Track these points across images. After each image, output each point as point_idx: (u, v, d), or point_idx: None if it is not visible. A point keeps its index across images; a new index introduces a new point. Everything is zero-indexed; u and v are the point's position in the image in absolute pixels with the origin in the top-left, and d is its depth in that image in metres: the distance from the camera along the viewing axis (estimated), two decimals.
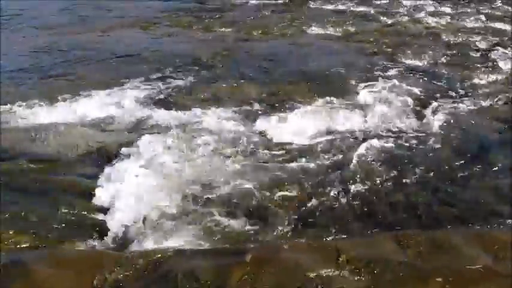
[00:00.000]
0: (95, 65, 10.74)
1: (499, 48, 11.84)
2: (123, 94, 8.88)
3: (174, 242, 5.14)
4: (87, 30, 13.99)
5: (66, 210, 5.66)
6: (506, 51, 11.58)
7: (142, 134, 7.29)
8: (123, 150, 6.81)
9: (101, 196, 5.88)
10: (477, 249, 4.73)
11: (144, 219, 5.47)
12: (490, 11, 16.44)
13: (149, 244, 5.15)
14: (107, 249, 5.10)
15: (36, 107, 8.31)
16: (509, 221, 5.46)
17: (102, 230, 5.43)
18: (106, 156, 6.79)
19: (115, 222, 5.48)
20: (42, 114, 8.11)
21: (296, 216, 5.58)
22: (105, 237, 5.33)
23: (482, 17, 15.52)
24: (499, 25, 14.43)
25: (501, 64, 10.77)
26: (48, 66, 10.61)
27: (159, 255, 4.66)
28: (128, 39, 12.90)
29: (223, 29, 14.24)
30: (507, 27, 14.19)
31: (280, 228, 5.39)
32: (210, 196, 5.82)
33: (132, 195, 5.80)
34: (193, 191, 5.88)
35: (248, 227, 5.39)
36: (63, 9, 16.74)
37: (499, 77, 9.94)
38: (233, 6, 17.65)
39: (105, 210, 5.69)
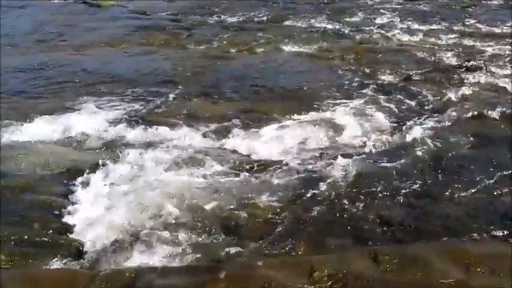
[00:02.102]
0: (68, 83, 10.66)
1: (470, 64, 11.96)
2: (96, 113, 8.82)
3: (147, 260, 5.11)
4: (59, 48, 13.91)
5: (38, 229, 5.61)
6: (478, 68, 11.70)
7: (115, 152, 7.26)
8: (96, 169, 6.78)
9: (74, 215, 5.85)
10: (449, 263, 4.77)
11: (117, 237, 5.43)
12: (461, 28, 16.62)
13: (122, 262, 5.12)
14: (80, 268, 5.06)
15: (8, 125, 8.22)
16: (481, 235, 5.50)
17: (75, 248, 5.39)
18: (78, 174, 6.74)
19: (88, 241, 5.45)
20: (14, 133, 8.03)
21: (269, 233, 5.57)
22: (78, 256, 5.28)
23: (454, 34, 15.69)
24: (470, 42, 14.59)
25: (472, 80, 10.87)
26: (20, 85, 10.52)
27: (133, 273, 4.65)
28: (101, 58, 12.84)
29: (197, 47, 14.24)
30: (478, 43, 14.34)
31: (253, 245, 5.37)
32: (182, 213, 5.80)
33: (104, 214, 5.77)
34: (166, 209, 5.85)
35: (221, 244, 5.37)
36: (35, 27, 16.64)
37: (471, 93, 10.01)
38: (206, 23, 17.68)
39: (77, 229, 5.64)
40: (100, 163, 6.97)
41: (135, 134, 7.98)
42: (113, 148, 7.60)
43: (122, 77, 11.08)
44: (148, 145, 7.55)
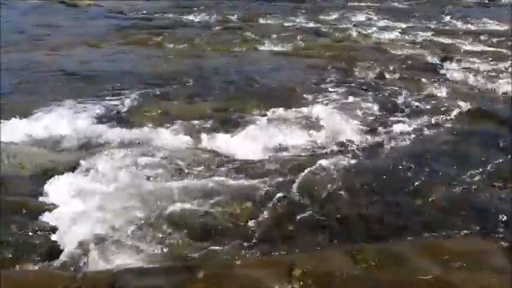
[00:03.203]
0: (45, 83, 10.59)
1: (447, 61, 12.05)
2: (74, 113, 8.76)
3: (125, 261, 5.08)
4: (36, 48, 13.83)
5: (16, 231, 5.55)
6: (455, 65, 11.78)
7: (93, 153, 7.22)
8: (73, 169, 6.74)
9: (51, 216, 5.79)
10: (428, 260, 4.78)
11: (95, 238, 5.40)
12: (437, 26, 16.75)
13: (101, 264, 5.08)
14: (58, 270, 5.02)
15: None
16: (459, 231, 5.52)
17: (53, 250, 5.32)
18: (55, 175, 6.68)
19: (66, 242, 5.39)
20: None
21: (248, 232, 5.54)
22: (55, 258, 5.23)
23: (431, 32, 15.81)
24: (446, 39, 14.70)
25: (450, 77, 10.95)
26: None
27: (111, 275, 4.62)
28: (78, 57, 12.80)
29: (174, 46, 14.22)
30: (455, 41, 14.46)
31: (232, 244, 5.34)
32: (160, 214, 5.77)
33: (82, 215, 5.73)
34: (144, 210, 5.83)
35: (199, 245, 5.34)
36: (11, 27, 16.55)
37: (448, 90, 10.08)
38: (184, 23, 17.66)
39: (55, 230, 5.59)
40: (77, 164, 6.91)
41: (111, 134, 7.92)
42: (89, 148, 7.54)
43: (98, 77, 11.04)
44: (125, 145, 7.50)
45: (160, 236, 5.42)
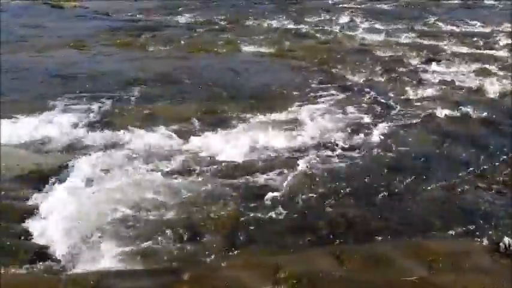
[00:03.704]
0: (29, 85, 10.53)
1: (432, 63, 12.09)
2: (59, 115, 8.72)
3: (110, 263, 5.07)
4: (21, 50, 13.76)
5: (1, 234, 5.53)
6: (439, 67, 11.83)
7: (78, 155, 7.20)
8: (59, 172, 6.71)
9: (36, 218, 5.77)
10: (412, 261, 4.81)
11: (80, 240, 5.38)
12: (422, 27, 16.81)
13: (86, 266, 5.06)
14: (43, 272, 4.99)
15: None
16: (443, 232, 5.55)
17: (38, 253, 5.29)
18: (41, 178, 6.65)
19: (51, 245, 5.37)
20: None
21: (233, 234, 5.54)
22: (40, 260, 5.20)
23: (416, 33, 15.87)
24: (431, 41, 14.76)
25: (434, 79, 10.99)
26: None
27: (96, 277, 4.61)
28: (63, 59, 12.73)
29: (159, 48, 14.19)
30: (440, 43, 14.51)
31: (217, 246, 5.33)
32: (144, 216, 5.76)
33: (67, 218, 5.70)
34: (129, 212, 5.80)
35: (185, 247, 5.32)
36: None
37: (433, 92, 10.11)
38: (169, 24, 17.64)
39: (40, 233, 5.56)
40: (62, 166, 6.89)
41: (96, 136, 7.89)
42: (75, 150, 7.50)
43: (84, 78, 10.97)
44: (110, 147, 7.48)
45: (146, 238, 5.40)
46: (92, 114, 8.85)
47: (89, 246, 5.32)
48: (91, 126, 8.34)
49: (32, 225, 5.70)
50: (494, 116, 8.74)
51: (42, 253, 5.29)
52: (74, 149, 7.61)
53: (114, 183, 6.44)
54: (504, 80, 10.86)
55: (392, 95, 9.91)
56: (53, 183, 6.47)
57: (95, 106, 9.23)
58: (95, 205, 5.95)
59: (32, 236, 5.55)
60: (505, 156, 7.28)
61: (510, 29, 16.44)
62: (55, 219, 5.72)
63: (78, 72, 11.50)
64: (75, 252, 5.24)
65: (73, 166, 6.82)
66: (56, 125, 8.32)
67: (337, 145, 7.69)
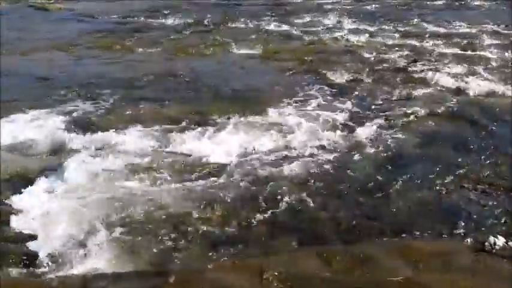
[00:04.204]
0: (14, 88, 10.51)
1: (417, 63, 12.13)
2: (43, 118, 8.70)
3: (96, 266, 5.05)
4: (7, 53, 13.71)
5: None
6: (425, 67, 11.86)
7: (63, 157, 7.18)
8: (44, 174, 6.70)
9: (20, 222, 5.74)
10: (398, 261, 4.83)
11: (66, 244, 5.36)
12: (407, 28, 16.86)
13: (72, 269, 5.05)
14: (29, 277, 4.98)
15: None
16: (429, 233, 5.57)
17: (22, 256, 5.27)
18: (26, 181, 6.63)
19: (35, 248, 5.35)
20: None
21: (220, 236, 5.54)
22: (26, 265, 5.18)
23: (400, 34, 15.92)
24: (415, 42, 14.81)
25: (420, 80, 11.02)
26: None
27: (82, 280, 4.60)
28: (48, 62, 12.71)
29: (145, 50, 14.18)
30: (425, 43, 14.56)
31: (203, 248, 5.34)
32: (131, 219, 5.75)
33: (51, 221, 5.68)
34: (115, 214, 5.80)
35: (171, 249, 5.32)
36: None
37: (419, 93, 10.14)
38: (155, 27, 17.62)
39: (25, 237, 5.54)
40: (47, 169, 6.87)
41: (82, 139, 7.87)
42: (60, 153, 7.48)
43: (69, 81, 10.97)
44: (96, 150, 7.46)
45: (132, 240, 5.40)
46: (77, 117, 8.83)
47: (74, 249, 5.31)
48: (76, 128, 8.31)
49: (17, 228, 5.68)
50: (479, 117, 8.77)
51: (27, 257, 5.26)
52: (59, 151, 7.59)
53: (100, 185, 6.43)
54: (489, 80, 10.90)
55: (378, 96, 9.94)
56: (38, 187, 6.45)
57: (81, 108, 9.23)
58: (80, 208, 5.93)
59: (16, 238, 5.53)
60: (489, 156, 7.32)
61: (495, 30, 16.52)
62: (40, 223, 5.70)
63: (63, 74, 11.49)
64: (60, 256, 5.23)
65: (59, 169, 6.80)
66: (40, 127, 8.30)
67: (323, 146, 7.71)
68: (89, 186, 6.41)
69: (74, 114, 8.92)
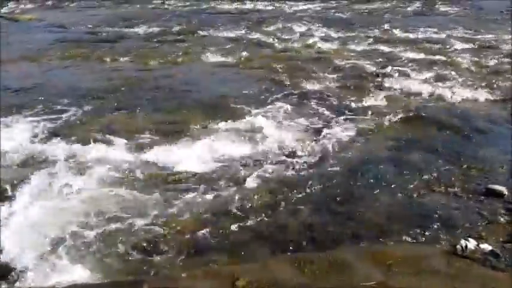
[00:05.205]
0: None
1: (387, 69, 12.21)
2: (15, 129, 8.65)
3: (70, 277, 5.03)
4: None
5: None
6: (395, 73, 11.95)
7: (34, 169, 7.13)
8: (16, 185, 6.65)
9: None
10: (371, 266, 4.85)
11: (39, 255, 5.33)
12: (377, 35, 16.99)
13: (45, 280, 5.02)
14: None
15: None
16: (401, 237, 5.60)
17: None
18: None
19: (8, 260, 5.31)
20: None
21: (193, 244, 5.52)
22: (1, 277, 5.15)
23: (370, 41, 16.04)
24: (387, 48, 14.92)
25: (390, 85, 11.10)
26: None
27: None
28: (20, 73, 12.63)
29: (117, 59, 14.14)
30: (395, 49, 14.68)
31: (177, 257, 5.32)
32: (104, 229, 5.72)
33: (25, 232, 5.65)
34: (89, 225, 5.77)
35: (144, 259, 5.30)
36: None
37: (389, 98, 10.21)
38: (126, 36, 17.59)
39: None
40: (20, 180, 6.81)
41: (54, 149, 7.81)
42: (32, 164, 7.44)
43: (39, 92, 10.89)
44: (67, 160, 7.42)
45: (105, 250, 5.38)
46: (49, 127, 8.78)
47: (49, 260, 5.28)
48: (48, 139, 8.28)
49: None
50: (450, 121, 8.84)
51: (1, 269, 5.23)
52: (31, 162, 7.54)
53: (73, 196, 6.40)
54: (459, 85, 11.02)
55: (349, 102, 9.99)
56: (11, 198, 6.41)
57: (52, 119, 9.18)
58: (54, 219, 5.90)
59: None
60: (460, 160, 7.38)
61: (463, 35, 16.71)
62: (14, 234, 5.66)
63: (34, 86, 11.41)
64: (35, 267, 5.19)
65: (31, 180, 6.75)
66: (12, 139, 8.24)
67: (295, 153, 7.73)
68: (60, 196, 6.37)
69: (46, 124, 8.86)
